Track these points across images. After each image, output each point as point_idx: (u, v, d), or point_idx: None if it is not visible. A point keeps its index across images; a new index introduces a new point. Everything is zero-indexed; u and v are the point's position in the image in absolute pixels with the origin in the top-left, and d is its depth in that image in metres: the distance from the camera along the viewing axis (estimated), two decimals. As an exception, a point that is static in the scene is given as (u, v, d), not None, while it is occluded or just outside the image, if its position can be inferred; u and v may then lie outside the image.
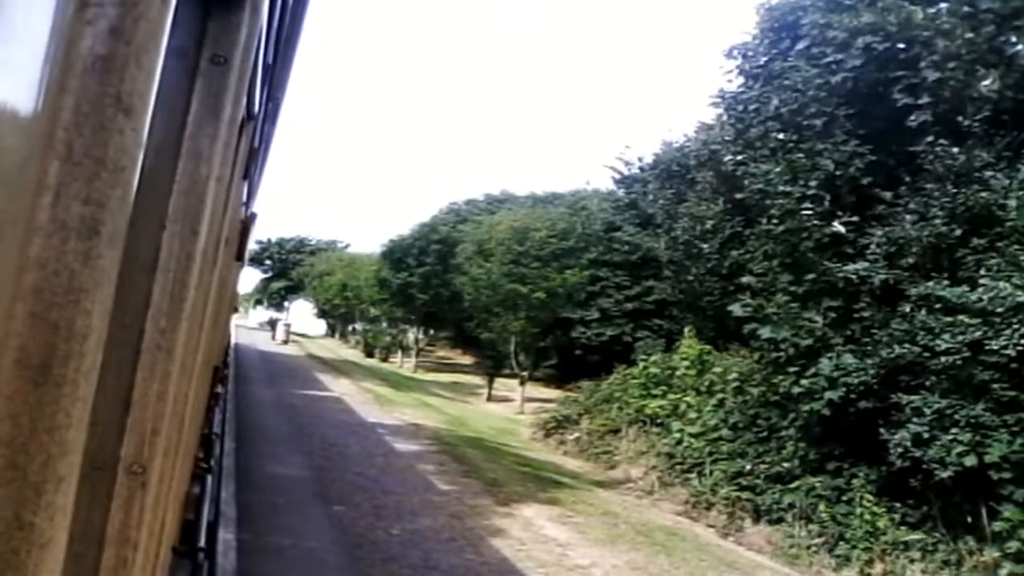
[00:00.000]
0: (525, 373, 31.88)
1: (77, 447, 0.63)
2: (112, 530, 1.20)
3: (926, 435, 13.48)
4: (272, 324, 65.91)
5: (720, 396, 19.64)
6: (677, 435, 19.42)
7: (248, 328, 64.06)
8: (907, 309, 14.80)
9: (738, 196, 18.56)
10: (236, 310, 26.47)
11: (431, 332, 53.39)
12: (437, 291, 41.96)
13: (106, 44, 0.59)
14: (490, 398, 34.42)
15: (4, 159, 0.51)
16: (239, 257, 4.71)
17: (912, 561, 13.49)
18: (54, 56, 0.55)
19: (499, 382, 34.99)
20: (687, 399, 20.57)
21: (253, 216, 6.14)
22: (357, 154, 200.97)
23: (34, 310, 0.57)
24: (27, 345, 0.57)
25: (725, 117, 21.02)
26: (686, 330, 22.96)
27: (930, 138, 15.29)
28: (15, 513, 0.58)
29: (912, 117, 15.54)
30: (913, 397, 13.93)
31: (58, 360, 0.58)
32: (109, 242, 0.60)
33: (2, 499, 0.57)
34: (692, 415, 19.83)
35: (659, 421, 20.78)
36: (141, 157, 0.64)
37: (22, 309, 0.56)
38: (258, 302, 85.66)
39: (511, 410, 31.11)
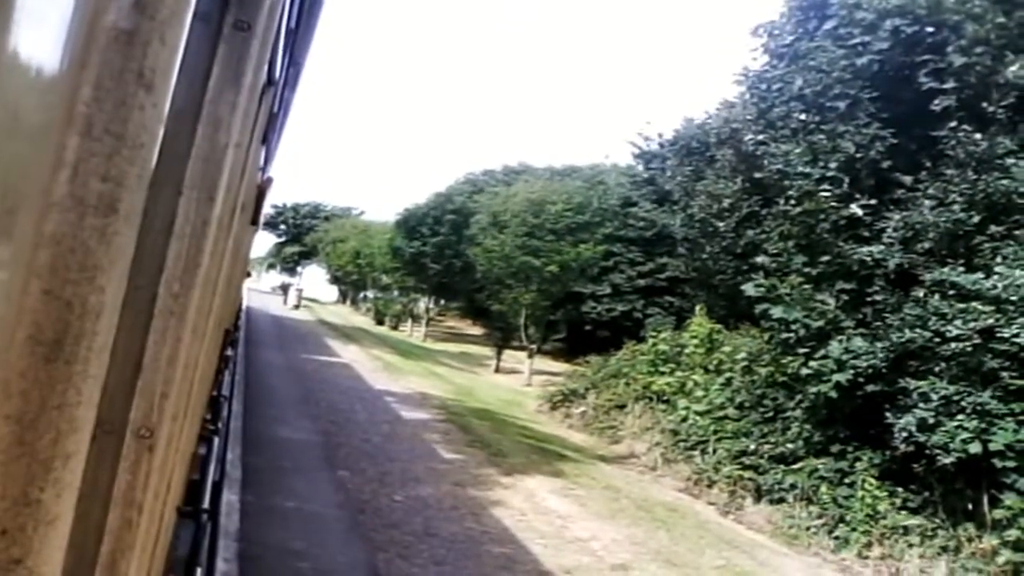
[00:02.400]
0: (534, 346, 31.93)
1: (87, 424, 0.62)
2: (118, 492, 1.20)
3: (931, 420, 13.46)
4: (284, 289, 66.22)
5: (728, 375, 19.63)
6: (683, 412, 19.46)
7: (260, 292, 64.23)
8: (920, 294, 14.71)
9: (756, 176, 18.41)
10: (249, 274, 26.54)
11: (442, 302, 53.51)
12: (450, 261, 41.96)
13: (130, 18, 0.57)
14: (498, 370, 34.52)
15: (22, 134, 0.50)
16: (254, 221, 4.71)
17: (910, 545, 13.52)
18: (77, 29, 0.53)
19: (507, 354, 35.06)
20: (695, 377, 20.59)
21: (269, 180, 6.13)
22: (376, 121, 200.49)
23: (48, 287, 0.56)
24: (40, 322, 0.56)
25: (748, 96, 20.77)
26: (697, 308, 22.92)
27: (953, 123, 15.08)
28: (23, 490, 0.57)
29: (936, 102, 15.34)
30: (921, 382, 13.89)
31: (70, 338, 0.57)
32: (126, 219, 0.59)
33: (10, 475, 0.57)
34: (699, 393, 19.85)
35: (665, 398, 20.82)
36: (161, 133, 0.62)
37: (36, 286, 0.55)
38: (271, 266, 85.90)
39: (519, 382, 31.21)
